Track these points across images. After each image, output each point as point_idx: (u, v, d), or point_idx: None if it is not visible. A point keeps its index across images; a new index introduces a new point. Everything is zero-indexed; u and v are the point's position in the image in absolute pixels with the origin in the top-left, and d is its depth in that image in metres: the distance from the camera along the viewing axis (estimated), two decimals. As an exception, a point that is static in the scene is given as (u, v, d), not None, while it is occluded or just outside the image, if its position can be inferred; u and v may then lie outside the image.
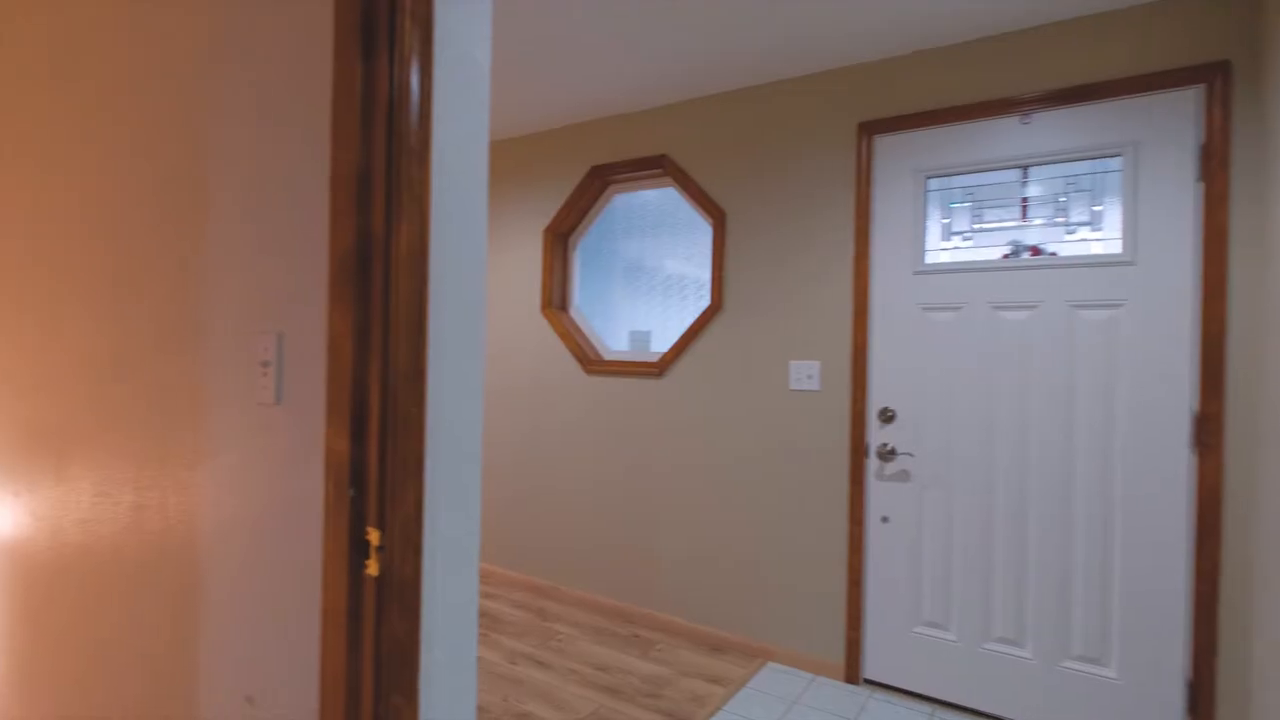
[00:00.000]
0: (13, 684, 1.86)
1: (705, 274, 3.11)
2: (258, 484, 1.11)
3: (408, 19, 0.85)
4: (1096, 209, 2.19)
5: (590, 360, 3.28)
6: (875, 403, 2.51)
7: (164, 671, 1.31)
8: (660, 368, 3.04)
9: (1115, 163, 2.16)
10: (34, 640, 1.74)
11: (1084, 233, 2.20)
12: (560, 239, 3.52)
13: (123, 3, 1.44)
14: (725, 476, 2.85)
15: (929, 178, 2.45)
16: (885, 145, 2.52)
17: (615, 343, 3.42)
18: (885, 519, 2.48)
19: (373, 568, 0.86)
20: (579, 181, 3.34)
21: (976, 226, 2.37)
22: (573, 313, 3.53)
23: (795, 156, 2.71)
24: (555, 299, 3.50)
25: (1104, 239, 2.17)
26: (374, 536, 0.85)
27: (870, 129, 2.52)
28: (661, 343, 3.26)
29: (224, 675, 1.17)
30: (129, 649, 1.41)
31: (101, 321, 1.51)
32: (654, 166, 3.10)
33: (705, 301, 3.09)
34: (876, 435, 2.51)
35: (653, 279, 3.32)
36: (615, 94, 2.95)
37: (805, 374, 2.65)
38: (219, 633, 1.18)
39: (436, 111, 0.88)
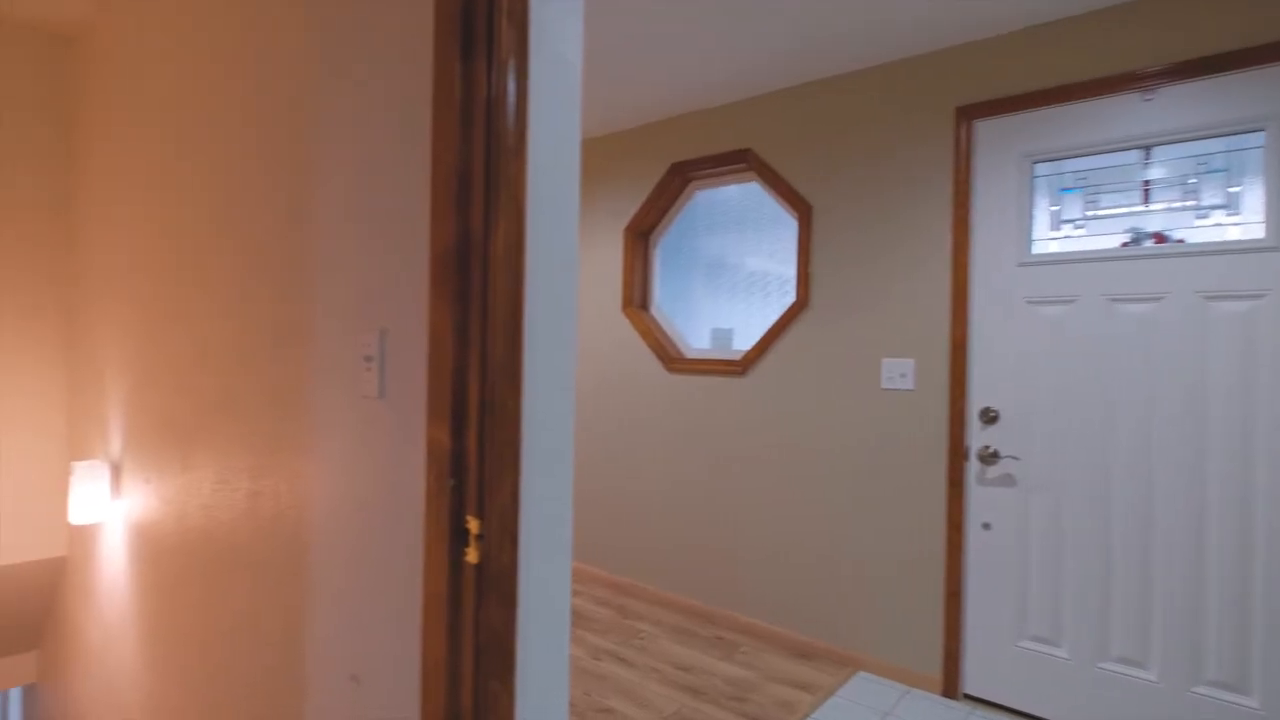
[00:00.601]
0: (144, 654, 2.05)
1: (789, 270, 3.05)
2: (362, 473, 1.17)
3: (505, 20, 0.88)
4: (1233, 190, 1.99)
5: (672, 358, 3.29)
6: (976, 403, 2.39)
7: (277, 648, 1.40)
8: (743, 366, 3.01)
9: (1255, 138, 1.96)
10: (162, 614, 1.90)
11: (1218, 216, 2.01)
12: (640, 237, 3.54)
13: (235, 21, 1.56)
14: (811, 477, 2.79)
15: (1036, 162, 2.31)
16: (987, 130, 2.39)
17: (697, 341, 3.41)
18: (987, 525, 2.36)
19: (472, 555, 0.89)
20: (659, 179, 3.35)
21: (1090, 213, 2.21)
22: (654, 311, 3.54)
23: (887, 146, 2.62)
24: (636, 298, 3.53)
25: (1242, 223, 1.98)
26: (473, 525, 0.89)
27: (969, 113, 2.40)
28: (744, 341, 3.22)
29: (331, 654, 1.24)
30: (245, 625, 1.52)
31: (227, 321, 1.63)
32: (737, 161, 3.06)
33: (790, 298, 3.03)
34: (978, 437, 2.38)
35: (734, 276, 3.29)
36: (696, 89, 2.94)
37: (898, 372, 2.55)
38: (326, 613, 1.25)
39: (531, 110, 0.91)
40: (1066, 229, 2.25)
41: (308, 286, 1.31)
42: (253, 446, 1.51)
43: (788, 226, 3.05)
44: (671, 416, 3.27)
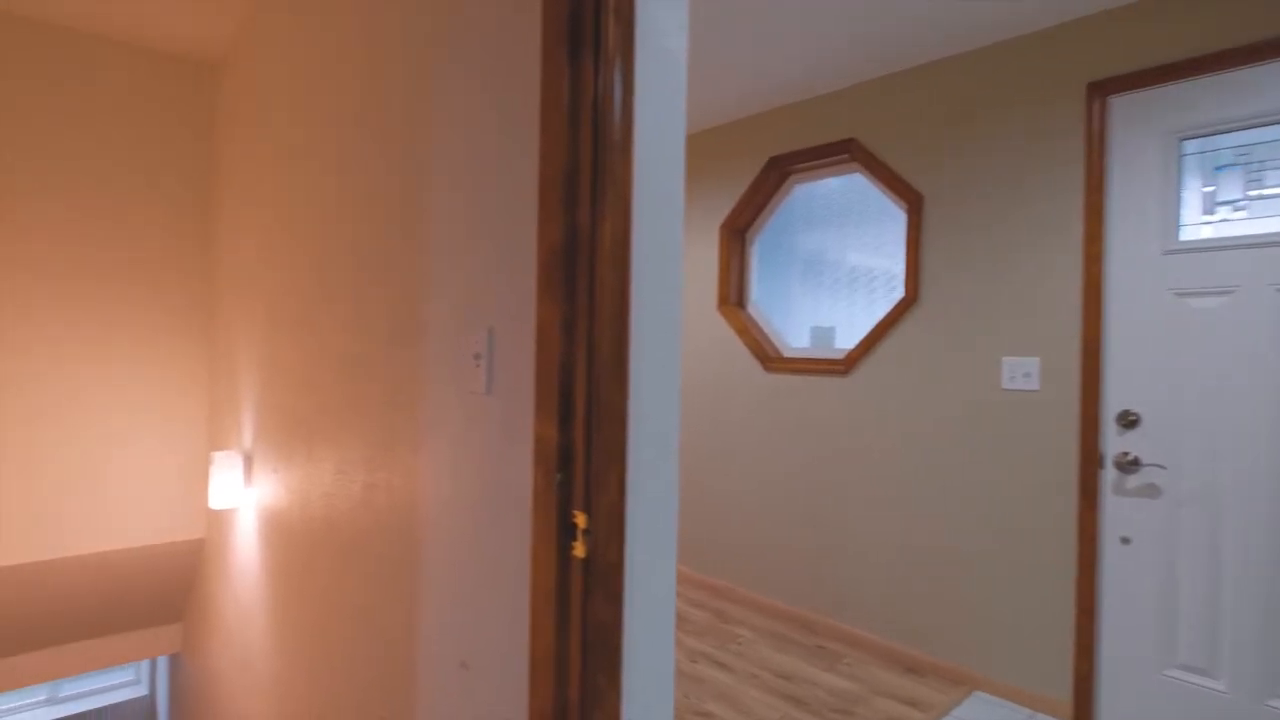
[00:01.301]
0: (273, 632, 2.22)
1: (894, 265, 2.93)
2: (470, 467, 1.22)
3: (611, 18, 0.89)
4: None
5: (769, 357, 3.23)
6: (1112, 405, 2.20)
7: (392, 633, 1.48)
8: (846, 365, 2.91)
9: None
10: (289, 595, 2.06)
11: None
12: (737, 234, 3.50)
13: (351, 38, 1.66)
14: (922, 483, 2.66)
15: (1184, 139, 2.10)
16: (1124, 106, 2.20)
17: (796, 339, 3.33)
18: (1126, 540, 2.16)
19: (579, 550, 0.90)
20: (756, 174, 3.30)
21: (1254, 193, 1.98)
22: (750, 309, 3.50)
23: (1007, 128, 2.46)
24: (732, 295, 3.49)
25: None
26: (581, 520, 0.90)
27: (1103, 89, 2.22)
28: (846, 339, 3.12)
29: (441, 640, 1.30)
30: (363, 610, 1.61)
31: (346, 322, 1.74)
32: (839, 152, 2.97)
33: (896, 294, 2.91)
34: (1114, 442, 2.19)
35: (835, 273, 3.19)
36: (796, 79, 2.87)
37: (1021, 372, 2.39)
38: (437, 602, 1.31)
39: (637, 105, 0.91)
40: (1223, 211, 2.04)
41: (420, 288, 1.38)
42: (367, 440, 1.60)
43: (894, 219, 2.93)
44: (769, 416, 3.22)
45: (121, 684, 5.85)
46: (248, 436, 2.53)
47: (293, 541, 2.05)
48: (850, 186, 3.11)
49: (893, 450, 2.75)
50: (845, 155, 2.97)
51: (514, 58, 1.08)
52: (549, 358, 0.94)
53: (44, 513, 2.81)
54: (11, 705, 5.44)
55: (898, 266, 2.90)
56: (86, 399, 2.88)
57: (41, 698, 5.53)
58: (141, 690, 5.83)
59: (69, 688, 5.63)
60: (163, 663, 5.19)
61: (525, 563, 1.01)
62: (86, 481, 2.90)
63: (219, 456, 2.53)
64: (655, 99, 0.95)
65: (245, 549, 2.54)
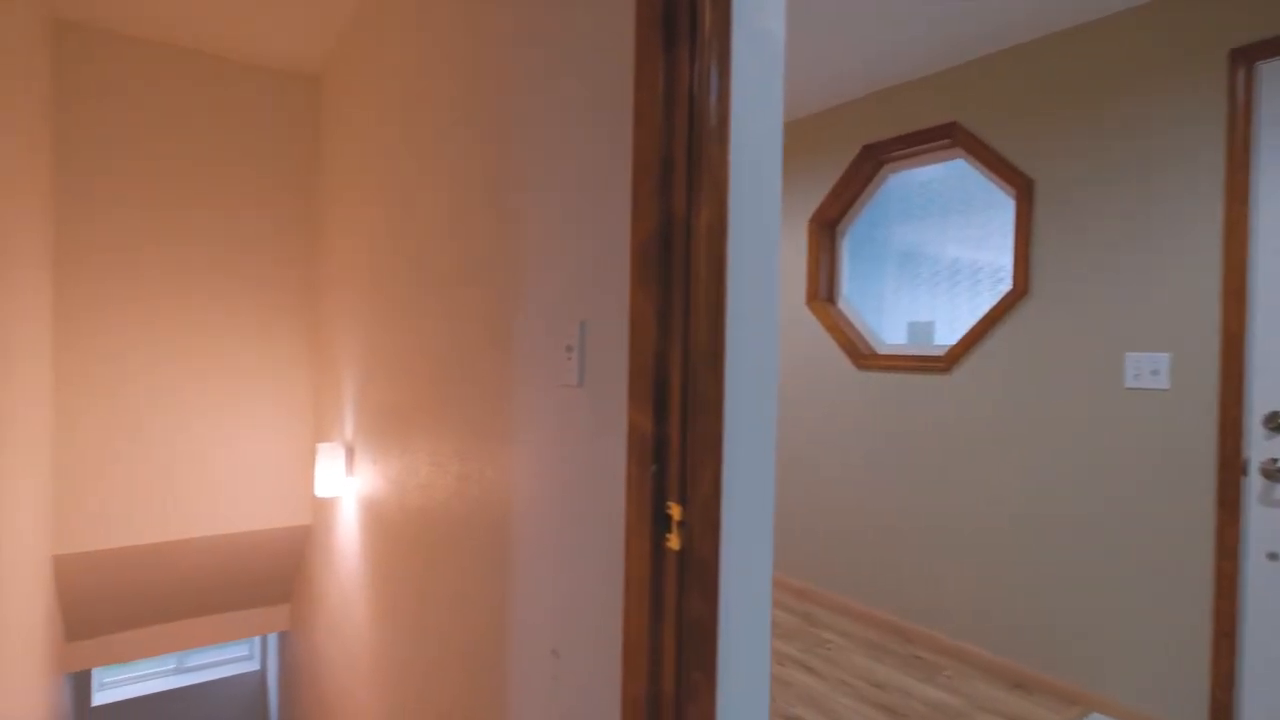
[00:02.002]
0: (372, 616, 2.34)
1: (999, 258, 2.77)
2: (562, 457, 1.24)
3: (708, 1, 0.88)
4: None
5: (862, 355, 3.13)
6: (1258, 406, 2.00)
7: (485, 619, 1.53)
8: (947, 362, 2.78)
9: None
10: (388, 580, 2.16)
11: None
12: (827, 227, 3.41)
13: (445, 36, 1.73)
14: (1031, 487, 2.51)
15: (1346, 107, 1.88)
16: (1276, 74, 1.99)
17: (891, 336, 3.21)
18: (1274, 556, 1.96)
19: (674, 542, 0.90)
20: (848, 164, 3.21)
21: None
22: (841, 305, 3.40)
23: (1131, 104, 2.27)
24: (822, 291, 3.41)
25: None
26: (675, 511, 0.90)
27: (1249, 55, 2.01)
28: (946, 335, 2.98)
29: (533, 628, 1.33)
30: (457, 597, 1.67)
31: (441, 319, 1.81)
32: (939, 137, 2.84)
33: (1002, 286, 2.75)
34: (1260, 447, 1.99)
35: (934, 266, 3.05)
36: (892, 62, 2.77)
37: (1149, 368, 2.21)
38: (528, 589, 1.34)
39: (734, 89, 0.90)
40: (1395, 188, 1.81)
41: (513, 284, 1.42)
42: (460, 433, 1.66)
43: (1000, 207, 2.77)
44: (862, 416, 3.12)
45: (237, 658, 6.34)
46: (349, 429, 2.68)
47: (391, 529, 2.15)
48: (950, 174, 2.97)
49: (999, 452, 2.61)
50: (946, 140, 2.84)
51: (606, 46, 1.09)
52: (643, 349, 0.95)
53: (171, 497, 3.08)
54: (146, 672, 6.00)
55: (1003, 258, 2.75)
56: (207, 393, 3.14)
57: (171, 667, 6.08)
58: (254, 665, 6.30)
59: (193, 659, 6.15)
60: (273, 640, 5.59)
61: (618, 554, 1.02)
62: (207, 470, 3.16)
63: (323, 447, 2.68)
64: (752, 83, 0.93)
65: (347, 535, 2.69)
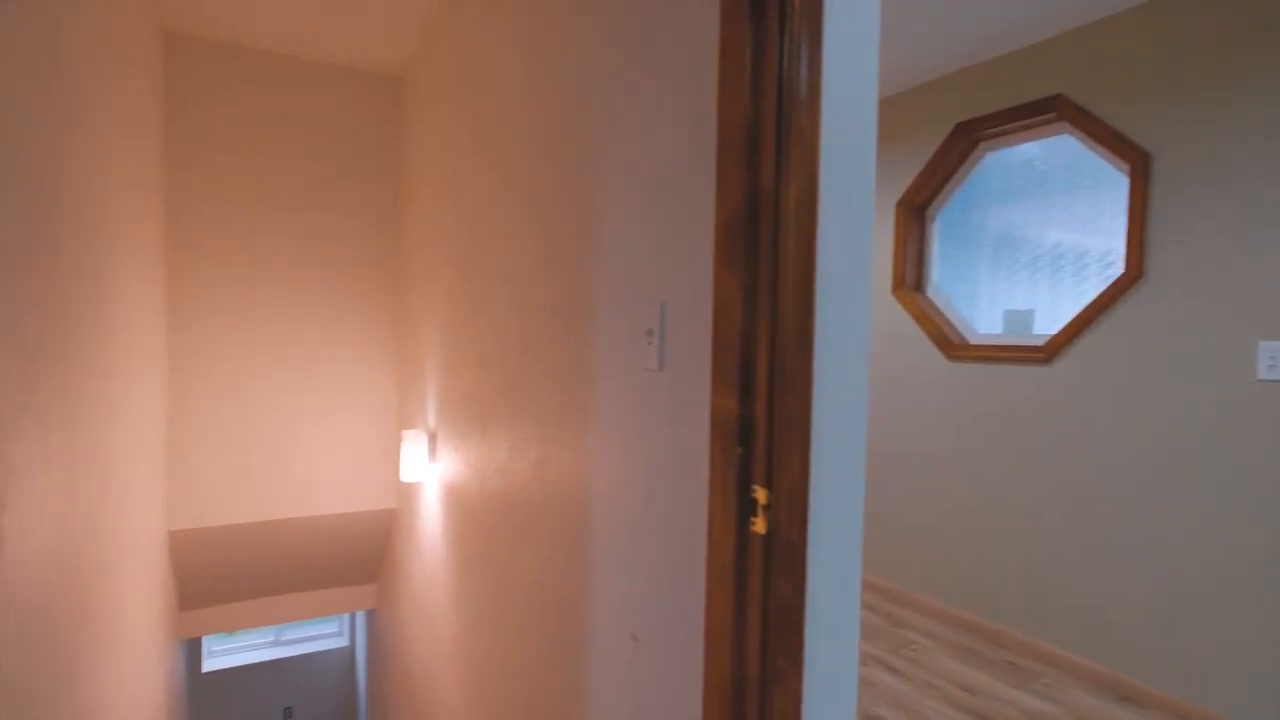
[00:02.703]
0: (454, 597, 2.42)
1: (1105, 241, 2.59)
2: (641, 442, 1.24)
3: (798, -35, 0.86)
4: None
5: (953, 345, 3.00)
6: None
7: (564, 603, 1.56)
8: (1048, 352, 2.63)
9: None
10: (470, 563, 2.23)
11: None
12: (915, 211, 3.28)
13: (518, 25, 1.75)
14: (1145, 488, 2.34)
15: None
16: None
17: (984, 326, 3.06)
18: None
19: (759, 526, 0.89)
20: (940, 143, 3.07)
21: None
22: (930, 292, 3.26)
23: (1265, 68, 2.07)
24: (909, 278, 3.28)
25: None
26: (761, 495, 0.89)
27: None
28: (1046, 325, 2.81)
29: (612, 612, 1.34)
30: (537, 580, 1.71)
31: (519, 307, 1.85)
32: (1043, 111, 2.68)
33: (1112, 272, 2.57)
34: None
35: (1034, 251, 2.88)
36: (989, 33, 2.62)
37: (1282, 359, 2.02)
38: (607, 573, 1.35)
39: (825, 52, 0.87)
40: None
41: (591, 270, 1.43)
42: (539, 419, 1.69)
43: (1110, 185, 2.59)
44: (951, 408, 2.99)
45: (328, 635, 6.71)
46: (432, 416, 2.77)
47: (471, 514, 2.21)
48: (1053, 152, 2.79)
49: (1105, 448, 2.44)
50: (1050, 114, 2.67)
51: (688, 17, 1.08)
52: (728, 328, 0.93)
53: (269, 480, 3.28)
54: (248, 644, 6.46)
55: (1111, 242, 2.57)
56: (301, 382, 3.32)
57: (270, 639, 6.51)
58: (344, 641, 6.66)
59: (289, 634, 6.56)
60: (360, 618, 5.89)
61: (700, 538, 1.02)
62: (301, 455, 3.35)
63: (407, 434, 2.79)
64: (845, 50, 0.90)
65: (429, 519, 2.79)
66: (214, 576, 3.48)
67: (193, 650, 5.91)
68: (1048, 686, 2.38)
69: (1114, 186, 2.56)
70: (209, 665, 6.11)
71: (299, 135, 3.16)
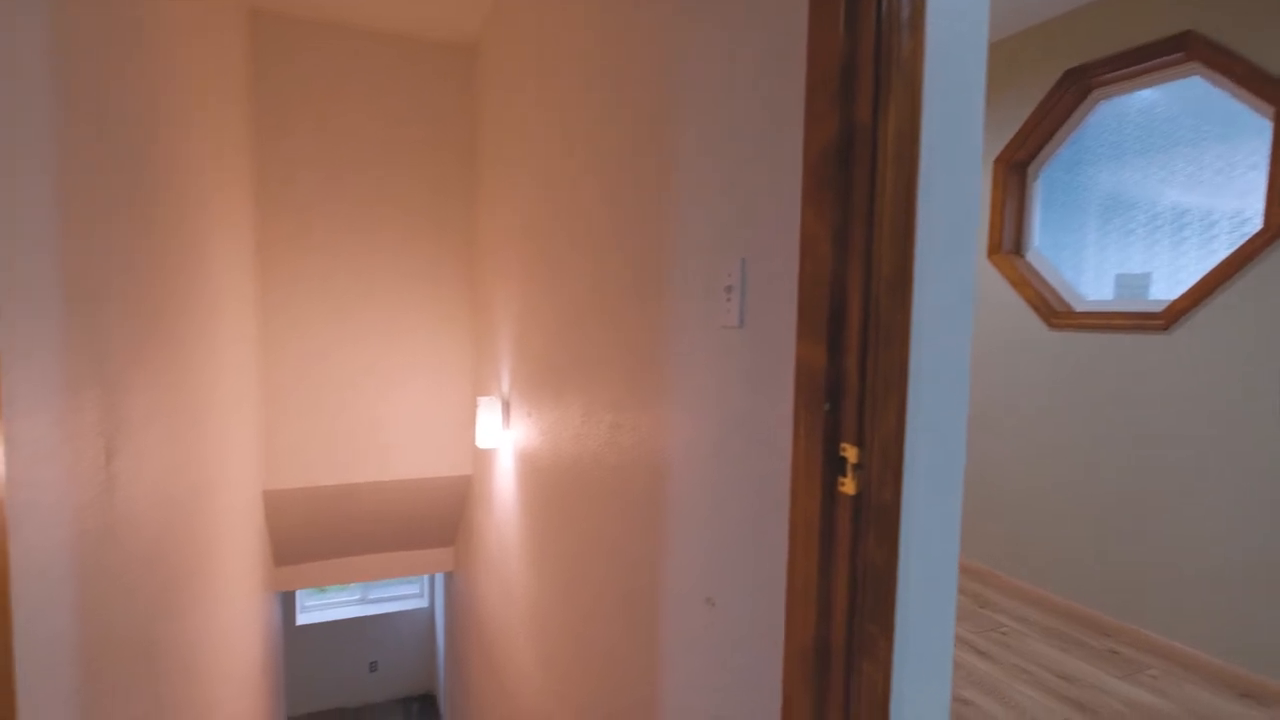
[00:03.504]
0: (528, 561, 2.47)
1: (1231, 201, 2.34)
2: (718, 402, 1.21)
3: None
4: None
5: (1055, 312, 2.80)
6: None
7: (638, 567, 1.55)
8: (1167, 319, 2.42)
9: None
10: (544, 528, 2.27)
11: None
12: (1016, 169, 3.07)
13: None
14: (1279, 467, 2.13)
15: None
16: None
17: (1092, 292, 2.85)
18: None
19: (849, 486, 0.84)
20: (1046, 93, 2.84)
21: None
22: (1030, 257, 3.06)
23: None
24: (1007, 242, 3.08)
25: None
26: (851, 453, 0.84)
27: None
28: (1164, 291, 2.59)
29: (686, 576, 1.32)
30: (610, 544, 1.71)
31: (593, 273, 1.83)
32: (1168, 51, 2.43)
33: (1245, 229, 2.33)
34: None
35: (1151, 210, 2.65)
36: (1108, -35, 2.39)
37: None
38: (681, 536, 1.34)
39: (933, -29, 0.80)
40: None
41: (666, 230, 1.39)
42: (613, 382, 1.68)
43: (1245, 134, 2.33)
44: (1052, 380, 2.81)
45: (409, 595, 7.05)
46: (505, 383, 2.82)
47: (546, 478, 2.24)
48: (1176, 98, 2.54)
49: (1231, 424, 2.24)
50: (1177, 54, 2.42)
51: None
52: (816, 275, 0.88)
53: (352, 445, 3.43)
54: (337, 601, 6.86)
55: (1243, 201, 2.32)
56: (382, 350, 3.44)
57: (356, 597, 6.90)
58: (424, 602, 6.99)
59: (374, 593, 6.93)
60: (439, 580, 6.15)
61: (781, 500, 0.98)
62: (382, 421, 3.48)
63: (482, 401, 2.85)
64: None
65: (504, 485, 2.85)
66: (303, 535, 3.69)
67: (288, 604, 6.33)
68: (1156, 679, 2.23)
69: (1251, 135, 2.31)
70: (303, 619, 6.53)
71: (376, 107, 3.23)
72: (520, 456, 2.59)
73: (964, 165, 0.85)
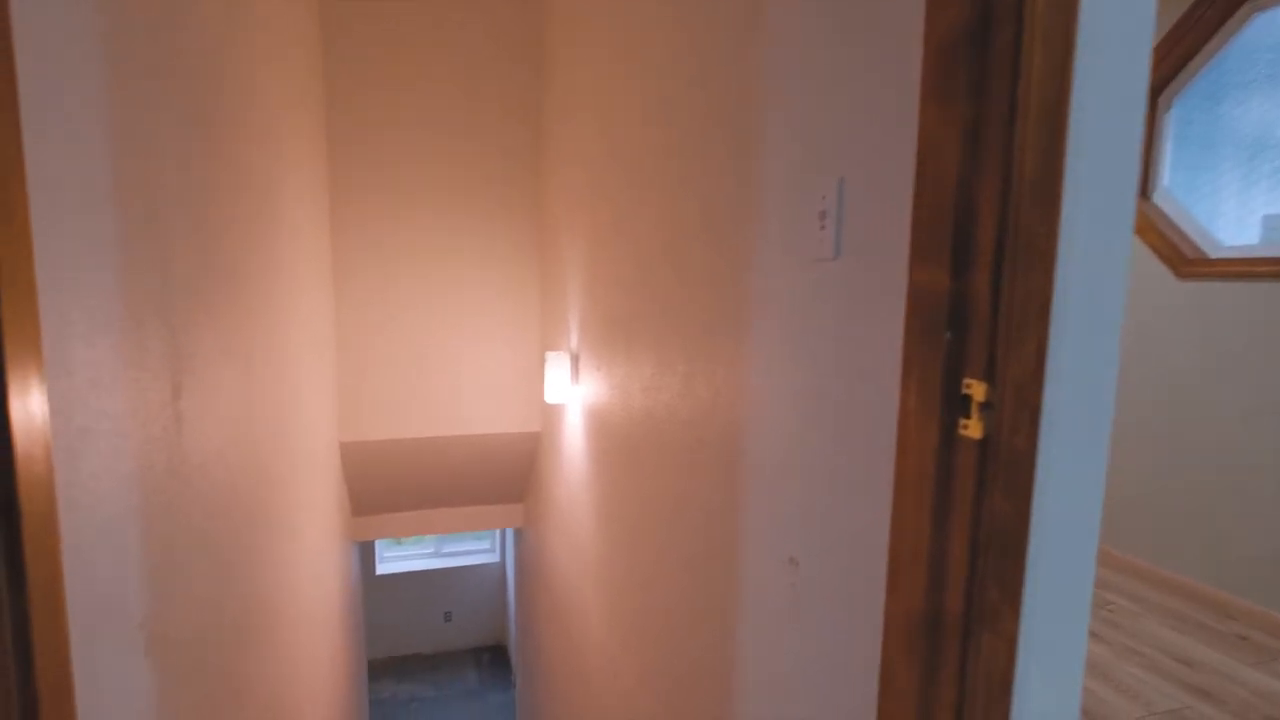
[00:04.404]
0: (597, 517, 2.44)
1: None
2: (807, 343, 1.10)
3: None
4: None
5: (1187, 260, 2.52)
6: None
7: (713, 524, 1.47)
8: (1325, 264, 2.13)
9: None
10: (614, 483, 2.22)
11: None
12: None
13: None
14: None
15: None
16: None
17: (1233, 236, 2.54)
18: None
19: (973, 429, 0.73)
20: (1189, 7, 2.51)
21: None
22: (1157, 198, 2.75)
23: None
24: (1128, 181, 2.78)
25: None
26: (977, 390, 0.72)
27: None
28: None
29: (766, 533, 1.23)
30: (684, 500, 1.64)
31: (663, 217, 1.73)
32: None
33: None
34: None
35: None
36: None
37: None
38: (763, 490, 1.24)
39: None
40: None
41: (748, 164, 1.27)
42: (688, 330, 1.58)
43: None
44: (1180, 336, 2.53)
45: (481, 550, 7.26)
46: (574, 338, 2.77)
47: (615, 433, 2.18)
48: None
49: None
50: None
51: None
52: (939, 183, 0.76)
53: (424, 399, 3.48)
54: (413, 553, 7.14)
55: None
56: (452, 306, 3.45)
57: (430, 550, 7.16)
58: (495, 557, 7.19)
59: (447, 547, 7.17)
60: (509, 535, 6.30)
61: (884, 445, 0.87)
62: (453, 376, 3.51)
63: (550, 356, 2.81)
64: None
65: (573, 440, 2.83)
66: (378, 488, 3.79)
67: (367, 554, 6.62)
68: (1294, 669, 2.02)
69: None
70: (382, 570, 6.84)
71: (444, 59, 3.19)
72: (589, 412, 2.55)
73: (1132, 38, 0.70)
